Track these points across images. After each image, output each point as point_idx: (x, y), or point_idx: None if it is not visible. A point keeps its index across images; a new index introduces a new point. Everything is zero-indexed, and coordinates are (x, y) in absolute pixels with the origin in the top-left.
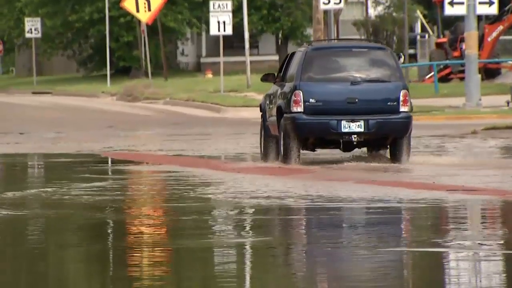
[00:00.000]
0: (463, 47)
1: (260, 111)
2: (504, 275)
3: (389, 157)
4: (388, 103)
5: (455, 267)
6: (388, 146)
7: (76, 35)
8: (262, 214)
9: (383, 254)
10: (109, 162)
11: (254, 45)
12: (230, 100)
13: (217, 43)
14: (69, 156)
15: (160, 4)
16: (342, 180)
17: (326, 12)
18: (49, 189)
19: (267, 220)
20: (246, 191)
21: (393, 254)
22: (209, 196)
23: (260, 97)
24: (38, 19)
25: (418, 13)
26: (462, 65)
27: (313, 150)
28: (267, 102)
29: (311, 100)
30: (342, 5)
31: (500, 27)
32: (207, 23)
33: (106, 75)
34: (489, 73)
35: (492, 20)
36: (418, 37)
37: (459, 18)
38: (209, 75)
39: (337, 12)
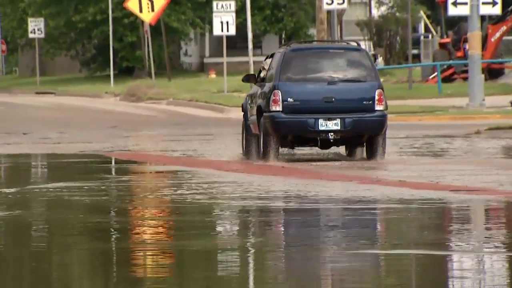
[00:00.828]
0: (467, 47)
1: (242, 110)
2: (507, 277)
3: (365, 154)
4: (364, 102)
5: (459, 269)
6: (364, 144)
7: (79, 36)
8: (267, 215)
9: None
10: (113, 162)
11: (257, 45)
12: (234, 101)
13: (220, 44)
14: (72, 157)
15: (163, 5)
16: (346, 180)
17: (329, 12)
18: (51, 189)
19: (278, 222)
20: (251, 191)
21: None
22: (212, 196)
23: None
24: (42, 19)
25: (422, 13)
26: (466, 65)
27: (292, 148)
28: (249, 101)
29: (289, 99)
30: (345, 5)
31: (504, 28)
32: (211, 23)
33: (109, 75)
34: (492, 73)
35: (495, 20)
36: (422, 37)
37: (463, 19)
38: (213, 76)
39: (340, 13)
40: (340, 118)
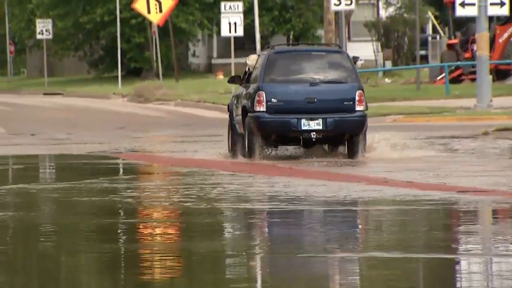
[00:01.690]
0: (474, 48)
1: (228, 111)
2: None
3: (346, 152)
4: (345, 103)
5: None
6: (346, 143)
7: (87, 37)
8: (283, 217)
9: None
10: (120, 163)
11: (265, 46)
12: None
13: (228, 44)
14: (80, 157)
15: (171, 6)
16: (354, 181)
17: (337, 13)
18: (59, 190)
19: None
20: (260, 192)
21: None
22: (218, 197)
23: None
24: (49, 20)
25: (429, 14)
26: (473, 66)
27: (276, 147)
28: (234, 102)
29: (273, 100)
30: (353, 6)
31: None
32: (218, 24)
33: (117, 76)
34: (500, 74)
35: (503, 21)
36: (429, 38)
37: (470, 19)
38: (220, 76)
39: (348, 13)
40: (322, 118)
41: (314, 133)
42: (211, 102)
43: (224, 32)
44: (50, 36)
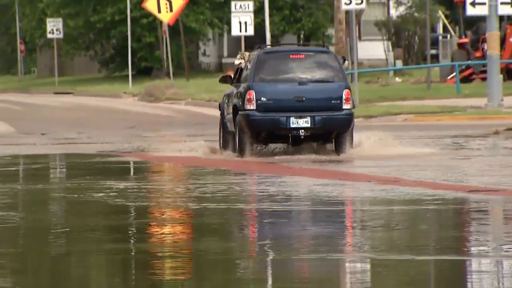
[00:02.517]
0: (485, 47)
1: (219, 109)
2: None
3: (333, 149)
4: (332, 101)
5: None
6: (333, 140)
7: (98, 36)
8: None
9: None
10: (131, 163)
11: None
12: None
13: (238, 44)
14: (90, 157)
15: (181, 5)
16: (364, 180)
17: (347, 12)
18: (68, 189)
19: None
20: (270, 191)
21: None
22: (225, 196)
23: None
24: (60, 19)
25: (440, 13)
26: (484, 65)
27: (266, 144)
28: (226, 101)
29: (262, 98)
30: (363, 5)
31: None
32: (229, 24)
33: (127, 75)
34: (511, 73)
35: None
36: (440, 37)
37: (481, 19)
38: None
39: (359, 13)
40: (310, 116)
41: (302, 130)
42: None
43: (235, 31)
44: (61, 36)
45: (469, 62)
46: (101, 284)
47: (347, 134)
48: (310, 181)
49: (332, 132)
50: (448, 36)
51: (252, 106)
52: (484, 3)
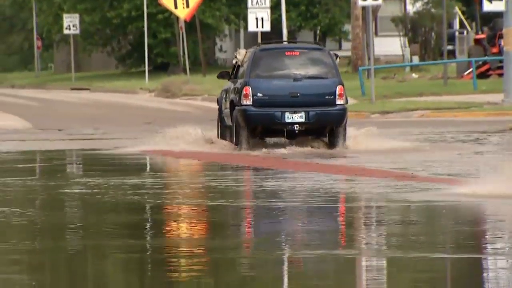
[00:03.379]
0: (502, 43)
1: (217, 104)
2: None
3: (327, 143)
4: (326, 97)
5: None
6: (327, 134)
7: (114, 32)
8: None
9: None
10: (147, 158)
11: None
12: None
13: (255, 39)
14: (107, 153)
15: (198, 1)
16: (381, 176)
17: (364, 8)
18: (85, 185)
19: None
20: (284, 187)
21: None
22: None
23: None
24: (77, 15)
25: (457, 9)
26: (501, 61)
27: (262, 139)
28: (223, 96)
29: (258, 94)
30: (380, 1)
31: None
32: (245, 20)
33: (144, 71)
34: None
35: None
36: (457, 33)
37: (498, 14)
38: None
39: (376, 9)
40: (305, 111)
41: (297, 125)
42: None
43: (251, 27)
44: (77, 31)
45: (486, 58)
46: (132, 282)
47: (340, 128)
48: (327, 177)
49: (326, 127)
50: (465, 32)
51: (248, 102)
52: None
